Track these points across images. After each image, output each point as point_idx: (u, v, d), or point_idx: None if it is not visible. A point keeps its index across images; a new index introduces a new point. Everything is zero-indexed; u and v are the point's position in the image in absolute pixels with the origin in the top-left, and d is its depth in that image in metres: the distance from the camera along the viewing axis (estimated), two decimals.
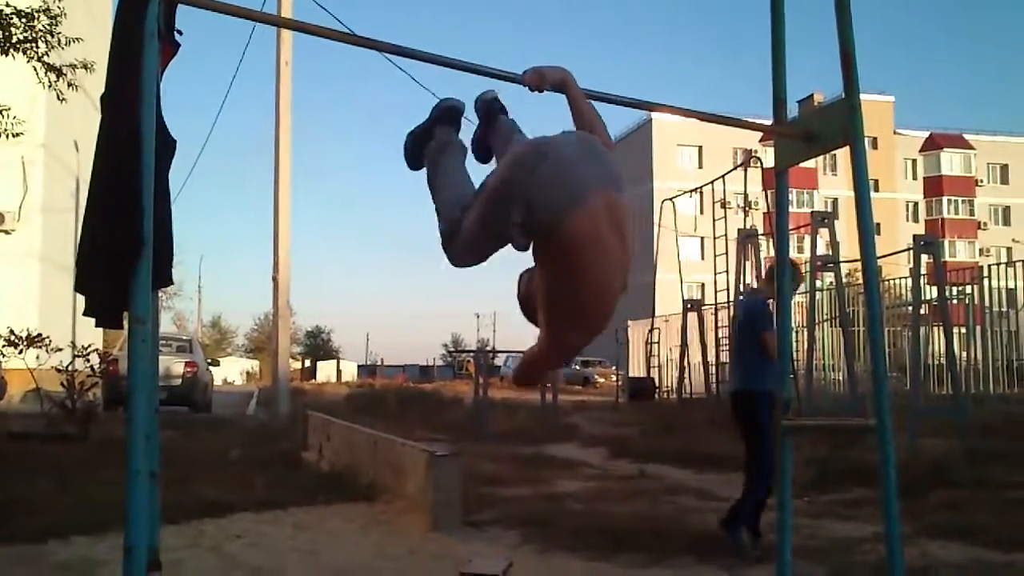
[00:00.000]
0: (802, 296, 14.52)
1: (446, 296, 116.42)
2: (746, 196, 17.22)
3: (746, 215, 17.26)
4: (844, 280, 13.86)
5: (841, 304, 13.25)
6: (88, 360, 11.00)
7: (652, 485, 8.20)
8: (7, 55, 10.70)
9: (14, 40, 10.54)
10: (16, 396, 16.59)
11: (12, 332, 10.93)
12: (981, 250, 57.46)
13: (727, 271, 15.82)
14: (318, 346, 75.34)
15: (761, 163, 17.41)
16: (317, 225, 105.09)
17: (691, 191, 20.93)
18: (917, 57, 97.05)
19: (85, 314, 2.52)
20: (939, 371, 15.29)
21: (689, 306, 17.70)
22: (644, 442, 11.35)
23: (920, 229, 53.45)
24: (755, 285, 14.96)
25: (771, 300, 6.02)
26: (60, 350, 10.99)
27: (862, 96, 3.33)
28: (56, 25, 10.82)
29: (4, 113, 11.97)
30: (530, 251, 2.56)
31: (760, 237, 15.00)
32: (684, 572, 5.03)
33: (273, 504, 6.65)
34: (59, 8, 10.95)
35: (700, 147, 56.67)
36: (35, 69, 10.98)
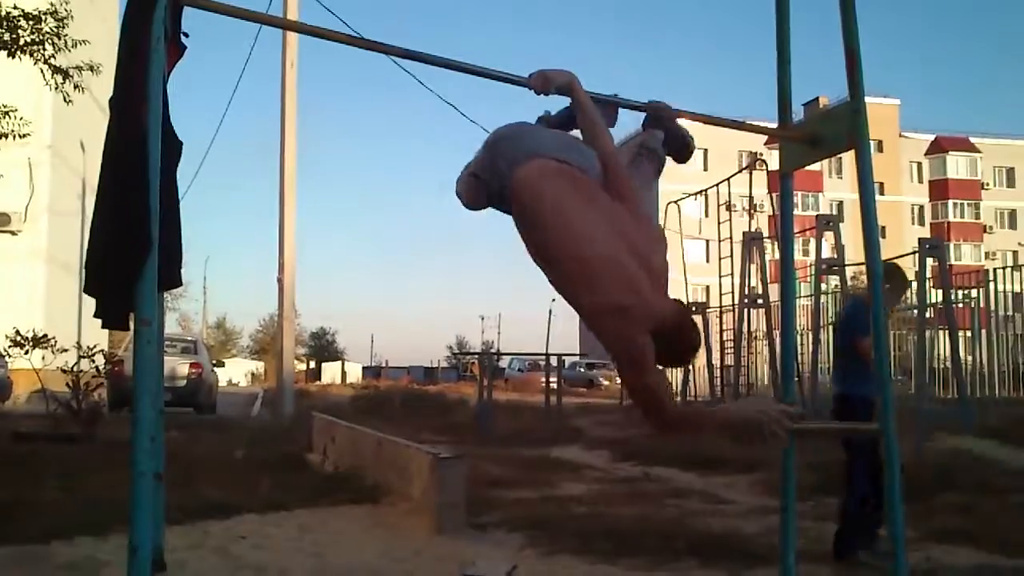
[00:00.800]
0: (807, 299, 14.51)
1: (451, 298, 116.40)
2: (751, 199, 17.19)
3: (751, 218, 17.23)
4: (849, 283, 13.81)
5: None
6: (93, 361, 11.02)
7: (657, 488, 8.20)
8: (14, 57, 10.75)
9: (21, 42, 10.58)
10: (22, 396, 16.63)
11: (18, 332, 10.95)
12: (987, 253, 57.30)
13: (732, 274, 15.79)
14: (323, 347, 75.33)
15: (766, 166, 17.38)
16: (322, 226, 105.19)
17: (696, 193, 20.89)
18: (923, 60, 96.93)
19: (95, 316, 2.53)
20: (944, 375, 15.25)
21: (694, 309, 17.66)
22: (649, 445, 11.33)
23: (926, 232, 53.31)
24: (759, 289, 14.96)
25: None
26: (66, 351, 11.00)
27: (867, 99, 3.33)
28: (63, 27, 10.86)
29: (11, 114, 12.02)
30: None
31: (765, 240, 14.98)
32: (688, 575, 5.02)
33: (278, 505, 6.65)
34: (66, 10, 11.00)
35: (705, 150, 56.52)
36: (42, 71, 11.02)
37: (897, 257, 14.62)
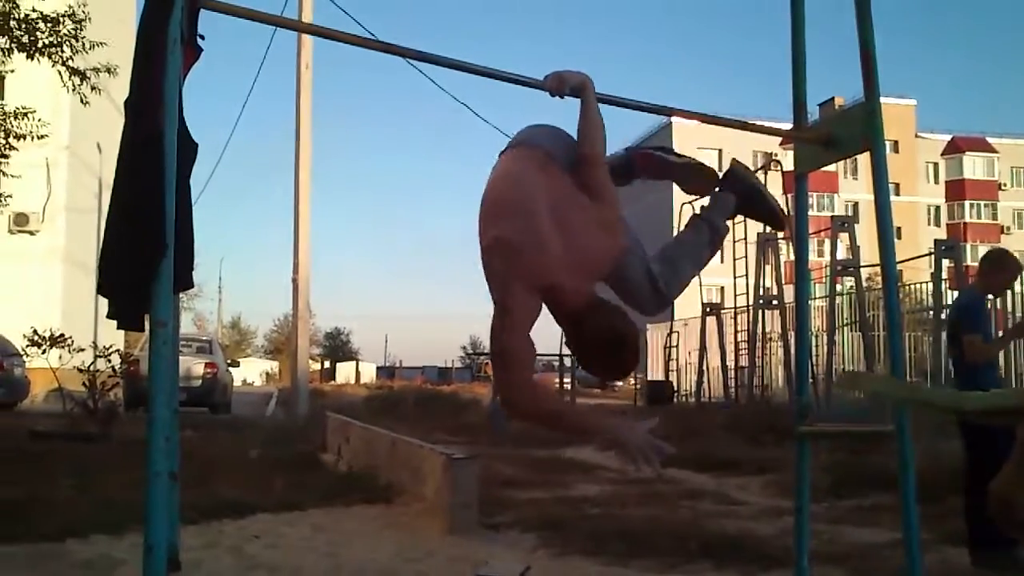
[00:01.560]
0: (822, 300, 14.45)
1: (465, 298, 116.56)
2: None
3: None
4: (864, 284, 13.75)
5: (861, 309, 13.16)
6: (110, 360, 11.10)
7: (670, 489, 8.17)
8: (32, 59, 10.84)
9: (40, 45, 10.67)
10: (39, 395, 16.76)
11: (35, 332, 11.05)
12: None
13: (747, 275, 15.75)
14: (337, 347, 75.56)
15: (781, 167, 17.33)
16: (337, 226, 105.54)
17: (710, 194, 20.85)
18: (939, 60, 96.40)
19: (109, 317, 2.55)
20: None
21: (708, 310, 17.64)
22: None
23: (942, 233, 52.99)
24: (774, 290, 14.91)
25: (988, 296, 5.60)
26: (82, 350, 11.08)
27: (883, 100, 3.32)
28: (81, 29, 10.94)
29: (29, 116, 12.11)
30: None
31: (780, 241, 14.93)
32: None
33: (292, 505, 6.67)
34: (84, 12, 11.07)
35: (720, 150, 56.31)
36: (60, 73, 11.10)
37: (913, 258, 14.58)
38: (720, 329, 17.42)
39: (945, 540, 5.56)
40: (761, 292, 15.02)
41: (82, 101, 11.52)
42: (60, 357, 11.34)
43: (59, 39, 10.79)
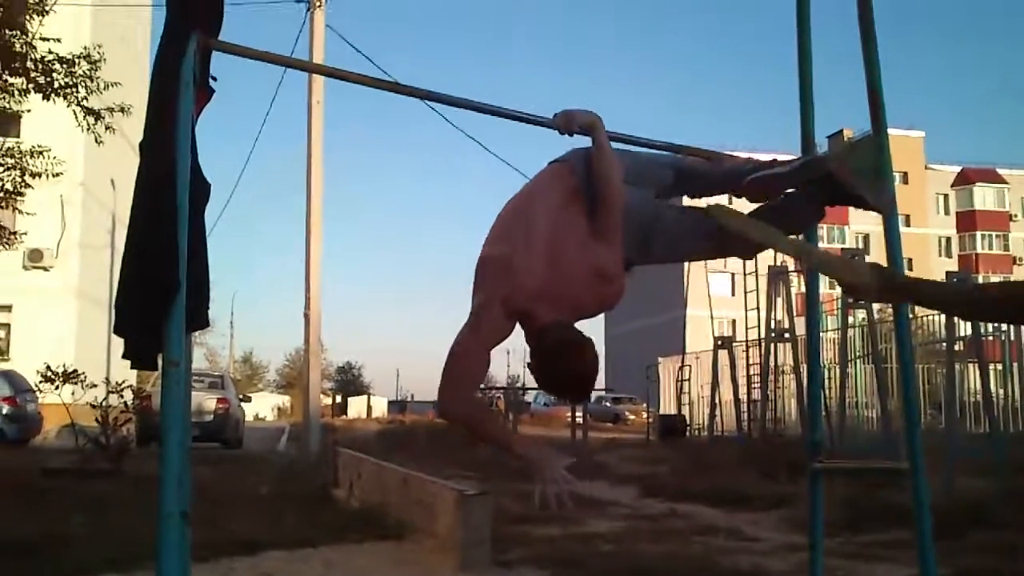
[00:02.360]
0: (834, 333, 14.37)
1: None
2: None
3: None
4: (876, 317, 13.69)
5: (873, 341, 13.08)
6: (122, 396, 11.12)
7: (683, 525, 8.10)
8: (48, 99, 11.00)
9: (55, 85, 10.84)
10: (52, 431, 16.79)
11: (49, 368, 11.08)
12: None
13: (758, 308, 15.70)
14: (349, 382, 75.46)
15: None
16: (349, 261, 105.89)
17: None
18: (948, 91, 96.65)
19: (124, 357, 2.56)
20: (975, 409, 15.01)
21: (720, 343, 17.58)
22: (675, 481, 11.22)
23: (953, 265, 52.81)
24: (786, 323, 14.84)
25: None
26: (95, 386, 11.11)
27: (892, 131, 3.33)
28: (96, 70, 11.10)
29: (45, 154, 12.27)
30: None
31: (791, 273, 14.89)
32: None
33: (303, 542, 6.63)
34: (99, 54, 11.25)
35: None
36: (75, 112, 11.26)
37: None
38: (732, 362, 17.34)
39: None
40: (773, 325, 14.96)
41: (96, 141, 11.67)
42: (73, 393, 11.36)
43: (74, 80, 10.96)
